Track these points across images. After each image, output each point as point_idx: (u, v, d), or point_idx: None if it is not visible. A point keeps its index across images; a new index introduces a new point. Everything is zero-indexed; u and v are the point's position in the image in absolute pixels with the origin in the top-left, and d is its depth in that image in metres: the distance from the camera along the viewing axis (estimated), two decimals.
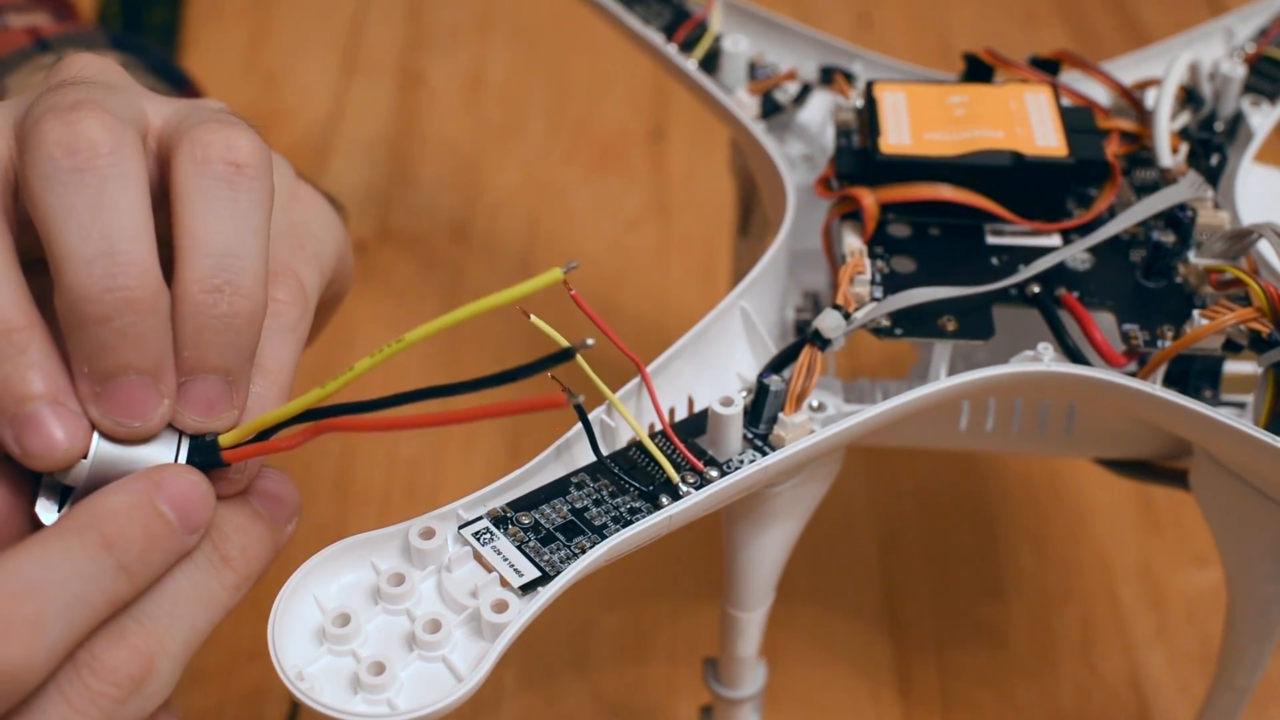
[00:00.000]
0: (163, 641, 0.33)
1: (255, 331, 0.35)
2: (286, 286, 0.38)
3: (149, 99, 0.36)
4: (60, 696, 0.31)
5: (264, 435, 0.35)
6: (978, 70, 0.51)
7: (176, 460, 0.34)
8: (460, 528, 0.37)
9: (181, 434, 0.35)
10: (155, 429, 0.34)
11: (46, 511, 0.34)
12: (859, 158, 0.47)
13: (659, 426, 0.40)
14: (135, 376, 0.33)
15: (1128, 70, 0.52)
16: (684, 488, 0.38)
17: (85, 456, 0.33)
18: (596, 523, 0.37)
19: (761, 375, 0.41)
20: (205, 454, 0.35)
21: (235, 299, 0.34)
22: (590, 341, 0.33)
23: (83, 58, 0.37)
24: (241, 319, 0.34)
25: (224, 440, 0.35)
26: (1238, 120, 0.51)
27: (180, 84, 0.57)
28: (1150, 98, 0.51)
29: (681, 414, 0.41)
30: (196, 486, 0.34)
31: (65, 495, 0.34)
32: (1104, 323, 0.43)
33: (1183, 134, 0.50)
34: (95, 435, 0.34)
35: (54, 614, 0.30)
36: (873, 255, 0.45)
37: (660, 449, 0.39)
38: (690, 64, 0.52)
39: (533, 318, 0.36)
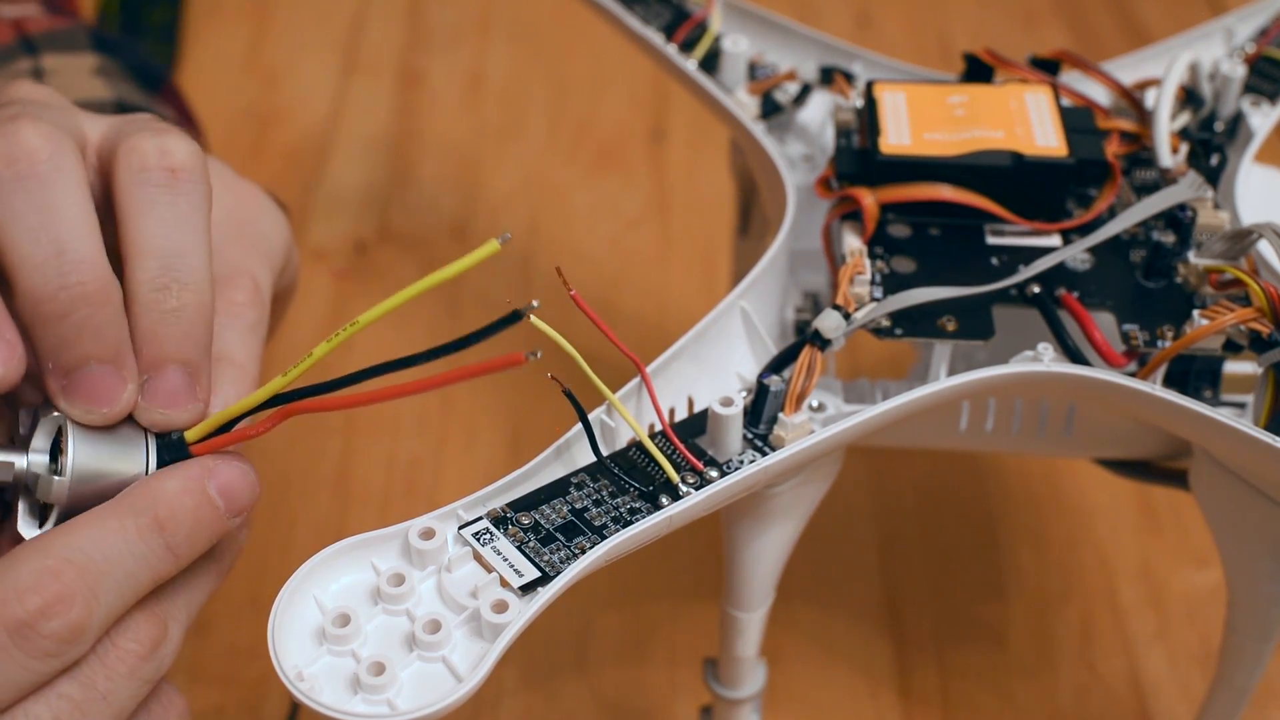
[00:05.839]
0: (174, 608, 0.35)
1: (207, 323, 0.36)
2: (244, 288, 0.40)
3: (85, 116, 0.38)
4: (94, 655, 0.33)
5: (230, 427, 0.36)
6: (978, 70, 0.51)
7: (148, 463, 0.36)
8: (460, 528, 0.37)
9: (149, 436, 0.36)
10: (122, 413, 0.35)
11: (29, 529, 0.36)
12: (859, 158, 0.47)
13: (659, 427, 0.40)
14: (98, 366, 0.35)
15: (1128, 70, 0.52)
16: (684, 488, 0.38)
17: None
18: (596, 523, 0.37)
19: (761, 375, 0.41)
20: (174, 451, 0.36)
21: (184, 294, 0.36)
22: (536, 303, 0.34)
23: (24, 84, 0.39)
24: (192, 310, 0.36)
25: (190, 435, 0.36)
26: (1238, 120, 0.51)
27: (157, 84, 0.58)
28: (1150, 98, 0.51)
29: (681, 414, 0.41)
30: (245, 474, 0.36)
31: (46, 514, 0.36)
32: (1104, 323, 0.43)
33: (1183, 134, 0.50)
34: (71, 452, 0.35)
35: (107, 587, 0.33)
36: (873, 255, 0.45)
37: (660, 449, 0.39)
38: (690, 64, 0.52)
39: (533, 318, 0.36)
